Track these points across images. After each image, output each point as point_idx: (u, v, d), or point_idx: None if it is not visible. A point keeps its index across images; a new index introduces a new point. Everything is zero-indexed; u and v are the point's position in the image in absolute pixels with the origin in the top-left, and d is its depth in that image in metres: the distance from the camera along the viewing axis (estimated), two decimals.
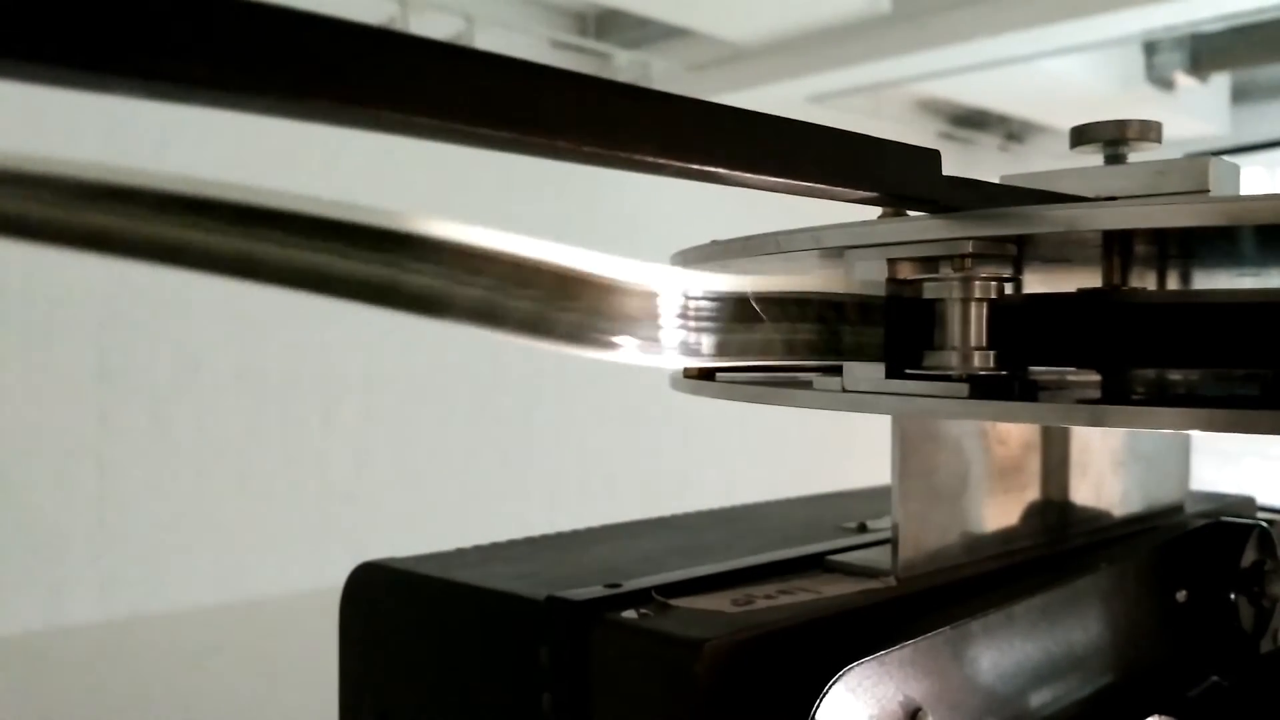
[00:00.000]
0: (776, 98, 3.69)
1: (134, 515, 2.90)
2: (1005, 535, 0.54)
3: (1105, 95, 4.04)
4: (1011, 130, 5.04)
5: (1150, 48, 4.04)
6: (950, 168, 0.36)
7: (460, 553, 0.52)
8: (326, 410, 3.27)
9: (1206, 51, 4.03)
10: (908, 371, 0.41)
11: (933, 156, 0.35)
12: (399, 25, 3.12)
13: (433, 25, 3.24)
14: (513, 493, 3.72)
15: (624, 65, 3.82)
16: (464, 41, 3.28)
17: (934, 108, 4.80)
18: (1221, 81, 4.49)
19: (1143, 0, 2.90)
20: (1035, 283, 0.52)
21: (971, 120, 4.91)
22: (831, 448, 4.29)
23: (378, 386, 3.37)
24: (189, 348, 2.98)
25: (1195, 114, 4.36)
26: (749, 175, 0.30)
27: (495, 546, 0.54)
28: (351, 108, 0.22)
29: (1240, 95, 4.73)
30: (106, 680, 2.51)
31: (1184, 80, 4.11)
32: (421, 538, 0.75)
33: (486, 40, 3.37)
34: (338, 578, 0.51)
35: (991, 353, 0.40)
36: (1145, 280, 0.49)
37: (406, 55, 0.22)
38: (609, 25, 3.82)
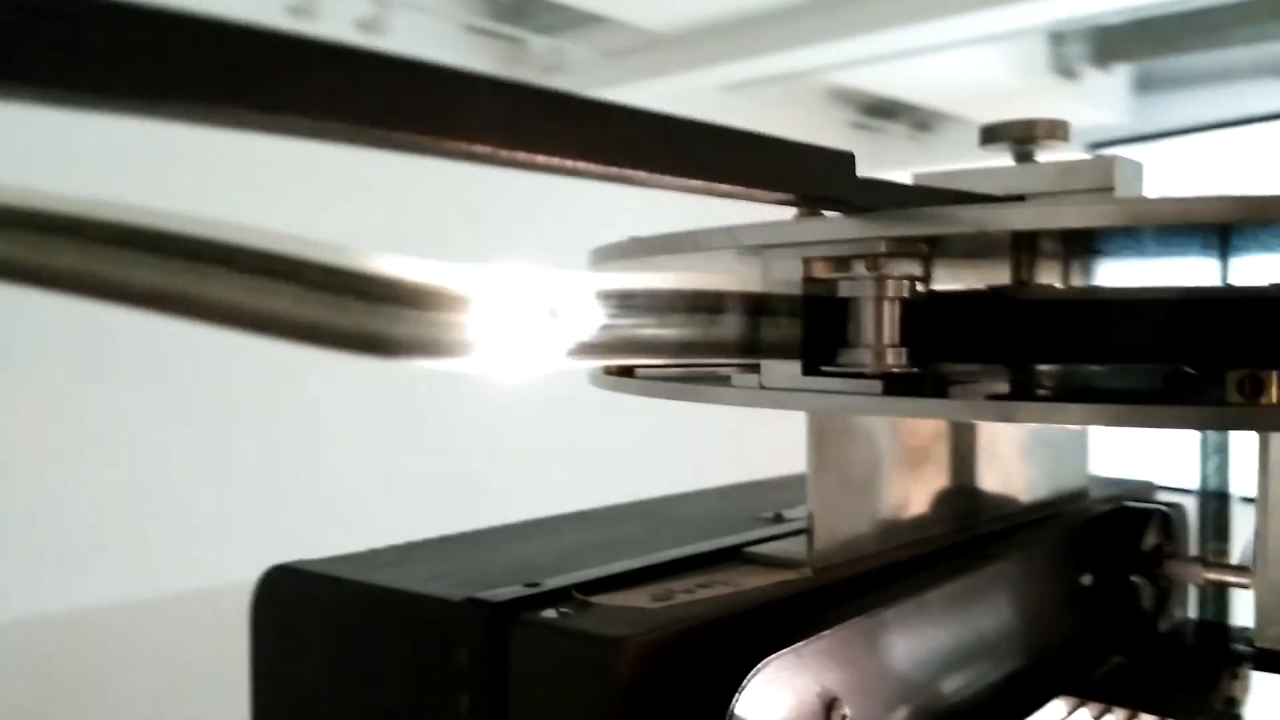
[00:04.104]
0: (691, 86, 3.69)
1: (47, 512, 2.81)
2: (917, 523, 0.55)
3: (1011, 86, 4.12)
4: (920, 119, 5.12)
5: (1056, 38, 4.13)
6: (861, 156, 0.37)
7: (375, 553, 0.51)
8: (235, 404, 3.20)
9: (1110, 42, 4.14)
10: (823, 369, 0.41)
11: (846, 159, 0.35)
12: (308, 8, 3.05)
13: (343, 8, 3.17)
14: (431, 490, 3.67)
15: (539, 51, 3.78)
16: (376, 25, 3.22)
17: (845, 97, 4.85)
18: (1124, 72, 4.62)
19: None
20: (949, 278, 0.53)
21: (882, 110, 4.97)
22: (754, 429, 4.32)
23: (291, 384, 3.30)
24: (95, 338, 2.89)
25: (1098, 104, 4.47)
26: (665, 178, 0.30)
27: (411, 546, 0.53)
28: (260, 115, 0.21)
29: (1141, 86, 4.87)
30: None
31: (1088, 71, 4.22)
32: (341, 536, 0.73)
33: (399, 23, 3.31)
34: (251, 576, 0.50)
35: (904, 350, 0.40)
36: (1053, 274, 0.51)
37: (316, 60, 0.22)
38: (524, 11, 3.78)
